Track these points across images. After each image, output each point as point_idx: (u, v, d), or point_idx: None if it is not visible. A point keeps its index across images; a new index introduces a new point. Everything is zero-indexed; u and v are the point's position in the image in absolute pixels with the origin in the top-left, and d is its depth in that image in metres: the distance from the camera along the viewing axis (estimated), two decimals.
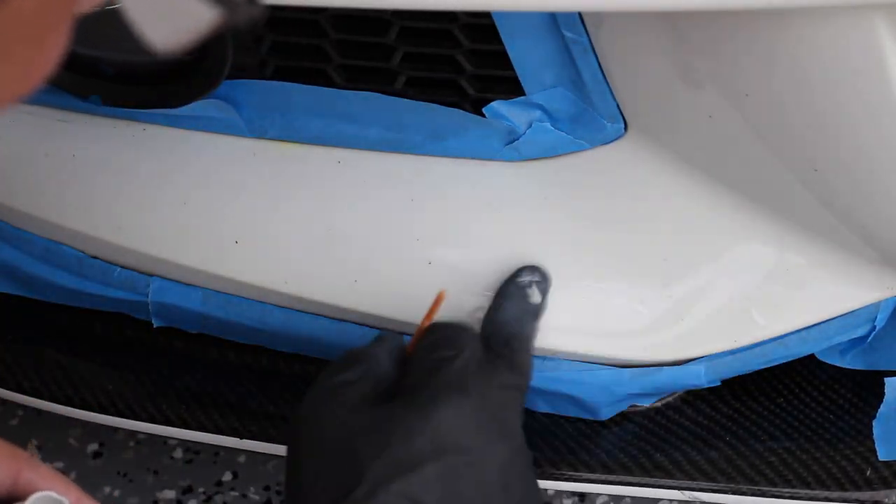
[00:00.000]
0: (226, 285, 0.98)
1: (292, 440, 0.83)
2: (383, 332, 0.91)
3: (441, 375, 0.82)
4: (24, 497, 0.74)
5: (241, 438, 1.02)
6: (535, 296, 0.91)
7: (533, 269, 0.91)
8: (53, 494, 0.73)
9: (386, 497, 0.76)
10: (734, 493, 0.97)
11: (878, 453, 0.97)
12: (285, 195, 0.96)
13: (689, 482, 0.97)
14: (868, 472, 0.96)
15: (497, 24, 0.86)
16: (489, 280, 0.95)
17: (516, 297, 0.91)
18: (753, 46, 0.80)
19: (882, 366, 0.99)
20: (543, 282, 0.91)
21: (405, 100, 0.93)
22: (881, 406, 0.96)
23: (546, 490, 1.23)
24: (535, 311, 0.91)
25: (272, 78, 0.94)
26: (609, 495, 1.23)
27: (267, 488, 1.25)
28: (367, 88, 0.93)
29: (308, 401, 0.83)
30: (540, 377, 0.96)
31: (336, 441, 0.80)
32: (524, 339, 0.89)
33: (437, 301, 0.88)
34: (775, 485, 0.97)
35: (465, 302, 0.94)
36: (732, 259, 0.94)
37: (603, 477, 0.99)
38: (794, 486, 0.97)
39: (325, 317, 0.97)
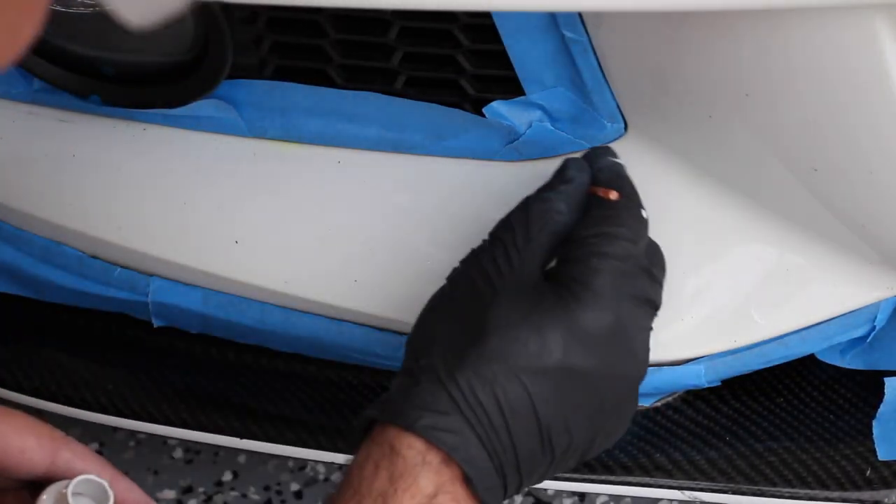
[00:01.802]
0: (226, 285, 0.98)
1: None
2: (566, 169, 0.86)
3: (599, 261, 0.79)
4: (61, 478, 0.74)
5: (241, 438, 1.02)
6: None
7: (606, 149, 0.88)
8: (95, 477, 0.73)
9: (500, 379, 0.76)
10: (734, 493, 0.97)
11: (878, 453, 0.97)
12: (285, 195, 0.96)
13: (689, 482, 0.97)
14: (868, 472, 0.96)
15: (497, 24, 0.86)
16: None
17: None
18: (753, 46, 0.80)
19: (882, 366, 0.99)
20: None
21: (405, 100, 0.93)
22: (881, 406, 0.96)
23: (546, 490, 1.23)
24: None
25: (272, 78, 0.94)
26: (609, 495, 1.23)
27: (267, 488, 1.25)
28: (367, 88, 0.93)
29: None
30: None
31: (475, 288, 0.80)
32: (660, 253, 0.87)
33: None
34: (775, 485, 0.97)
35: None
36: (732, 259, 0.94)
37: (603, 477, 0.99)
38: (794, 486, 0.97)
39: (325, 317, 0.97)
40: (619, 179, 0.84)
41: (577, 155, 0.91)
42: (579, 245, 0.81)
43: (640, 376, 0.83)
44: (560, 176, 0.85)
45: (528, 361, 0.77)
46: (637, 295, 0.81)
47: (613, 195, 0.83)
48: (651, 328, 0.83)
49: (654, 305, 0.83)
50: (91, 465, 0.76)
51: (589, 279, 0.79)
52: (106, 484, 0.73)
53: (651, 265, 0.83)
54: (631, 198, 0.84)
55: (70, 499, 0.72)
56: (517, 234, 0.82)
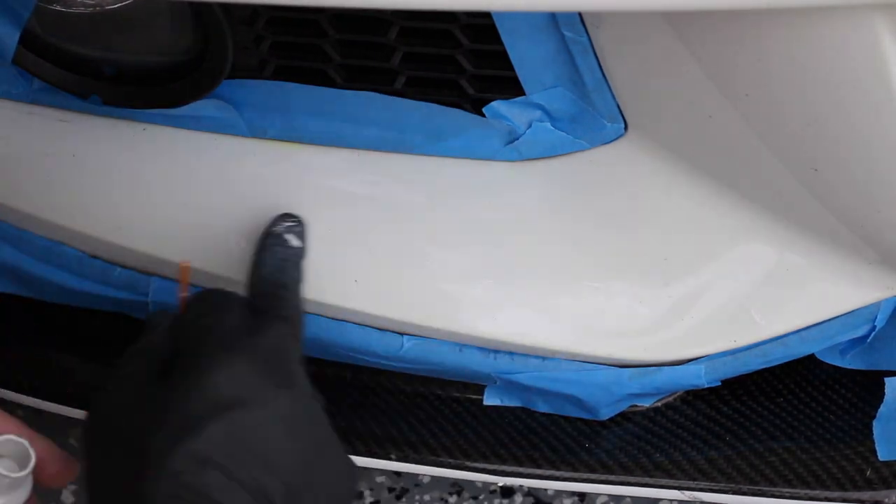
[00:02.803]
0: (226, 285, 0.98)
1: (85, 450, 0.81)
2: (153, 312, 0.91)
3: (209, 340, 0.81)
4: None
5: None
6: (293, 241, 0.91)
7: (284, 216, 0.91)
8: (15, 437, 0.74)
9: (172, 463, 0.74)
10: (734, 493, 0.97)
11: (878, 453, 0.97)
12: (285, 195, 0.96)
13: (689, 482, 0.98)
14: (868, 472, 0.96)
15: (497, 24, 0.86)
16: (489, 279, 0.95)
17: (274, 246, 0.90)
18: (753, 46, 0.80)
19: (882, 366, 0.99)
20: (298, 225, 0.91)
21: (405, 100, 0.93)
22: (881, 406, 0.96)
23: (546, 490, 1.24)
24: (297, 256, 0.90)
25: (272, 78, 0.94)
26: (609, 495, 1.23)
27: None
28: (367, 88, 0.93)
29: (93, 403, 0.82)
30: (540, 377, 0.96)
31: (121, 429, 0.79)
32: (290, 286, 0.88)
33: (184, 272, 0.89)
34: (775, 485, 0.97)
35: (462, 302, 0.94)
36: (732, 259, 0.94)
37: (603, 477, 0.99)
38: (794, 486, 0.97)
39: (325, 317, 0.97)
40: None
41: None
42: (178, 343, 0.84)
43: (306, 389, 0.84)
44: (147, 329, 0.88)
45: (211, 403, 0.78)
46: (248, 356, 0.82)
47: (184, 271, 0.90)
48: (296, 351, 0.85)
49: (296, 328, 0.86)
50: (9, 427, 0.76)
51: (197, 359, 0.81)
52: (27, 443, 0.74)
53: (253, 332, 0.84)
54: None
55: None
56: (133, 372, 0.83)
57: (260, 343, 0.81)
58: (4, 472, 0.73)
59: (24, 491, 0.76)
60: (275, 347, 0.82)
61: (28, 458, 0.74)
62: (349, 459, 0.83)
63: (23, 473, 0.74)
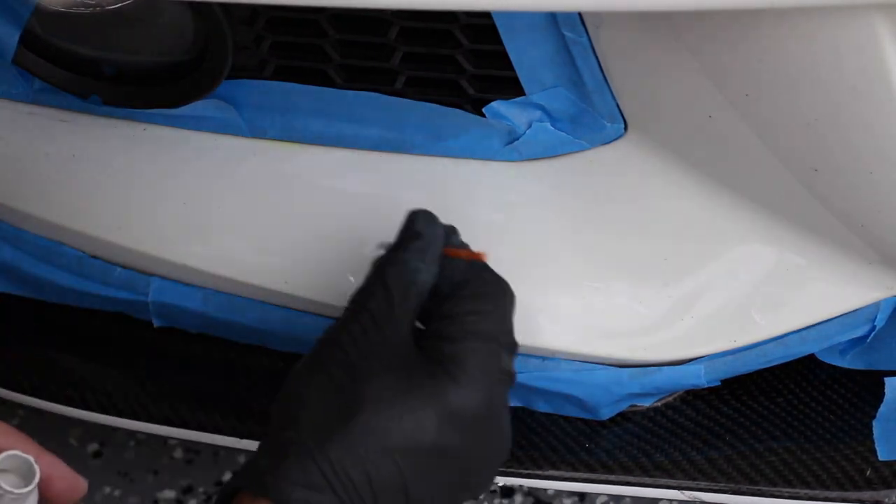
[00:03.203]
0: (226, 285, 0.98)
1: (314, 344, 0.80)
2: (418, 236, 0.83)
3: (476, 342, 0.79)
4: None
5: (241, 438, 1.02)
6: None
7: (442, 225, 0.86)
8: (19, 453, 0.73)
9: (372, 457, 0.75)
10: (734, 493, 0.97)
11: (878, 453, 0.97)
12: (286, 195, 0.96)
13: (689, 482, 0.97)
14: (868, 472, 0.96)
15: (497, 24, 0.86)
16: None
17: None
18: (753, 46, 0.80)
19: (882, 366, 0.99)
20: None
21: (405, 100, 0.93)
22: (881, 406, 0.96)
23: (546, 490, 1.24)
24: None
25: (272, 78, 0.94)
26: (609, 495, 1.23)
27: None
28: (367, 88, 0.93)
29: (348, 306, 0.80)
30: (540, 377, 0.96)
31: (351, 360, 0.78)
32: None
33: (482, 256, 0.83)
34: (775, 485, 0.97)
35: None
36: (732, 259, 0.94)
37: (603, 477, 0.99)
38: (794, 486, 0.97)
39: (324, 317, 0.97)
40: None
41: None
42: (452, 322, 0.80)
43: (507, 453, 0.82)
44: (408, 231, 0.84)
45: (401, 440, 0.76)
46: (502, 371, 0.81)
47: (483, 256, 0.83)
48: (507, 403, 0.82)
49: (513, 379, 0.82)
50: (15, 442, 0.76)
51: (464, 360, 0.78)
52: (32, 459, 0.73)
53: (510, 348, 0.82)
54: (493, 274, 0.84)
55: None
56: (381, 302, 0.80)
57: (497, 376, 0.80)
58: (8, 488, 0.72)
59: None
60: (502, 387, 0.81)
61: (33, 473, 0.73)
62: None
63: (27, 489, 0.73)
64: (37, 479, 0.73)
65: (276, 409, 0.80)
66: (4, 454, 0.73)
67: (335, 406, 0.77)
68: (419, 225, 0.83)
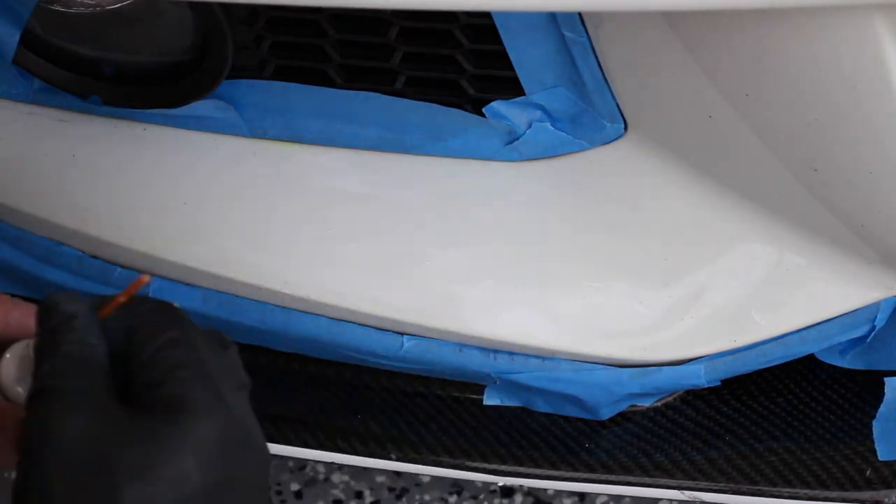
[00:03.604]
0: (226, 285, 0.98)
1: (24, 463, 0.69)
2: (53, 295, 0.75)
3: (183, 370, 0.72)
4: (16, 338, 0.73)
5: None
6: None
7: None
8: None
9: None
10: (734, 493, 0.97)
11: (878, 453, 0.97)
12: (285, 195, 0.96)
13: (689, 482, 0.97)
14: (868, 472, 0.96)
15: (497, 24, 0.86)
16: (489, 279, 0.95)
17: None
18: (753, 46, 0.80)
19: (882, 366, 0.99)
20: None
21: (405, 100, 0.93)
22: (881, 406, 0.96)
23: (546, 490, 1.24)
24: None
25: (272, 78, 0.94)
26: (609, 495, 1.23)
27: None
28: (367, 88, 0.93)
29: (33, 412, 0.70)
30: (540, 377, 0.96)
31: (81, 453, 0.69)
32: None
33: (139, 283, 0.75)
34: (775, 485, 0.97)
35: (462, 302, 0.94)
36: (732, 259, 0.94)
37: (603, 477, 0.99)
38: (794, 486, 0.97)
39: (325, 317, 0.97)
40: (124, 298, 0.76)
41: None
42: (152, 367, 0.73)
43: (268, 460, 0.76)
44: (54, 321, 0.74)
45: (171, 496, 0.69)
46: (231, 383, 0.75)
47: (138, 283, 0.75)
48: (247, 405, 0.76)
49: (245, 384, 0.76)
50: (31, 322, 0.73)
51: (183, 393, 0.71)
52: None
53: (223, 346, 0.77)
54: (154, 304, 0.76)
55: (33, 355, 0.70)
56: (77, 398, 0.71)
57: (233, 390, 0.74)
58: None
59: None
60: (243, 397, 0.75)
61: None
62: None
63: None
64: None
65: None
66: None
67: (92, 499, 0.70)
68: (69, 307, 0.74)
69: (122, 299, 0.73)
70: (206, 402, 0.72)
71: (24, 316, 0.75)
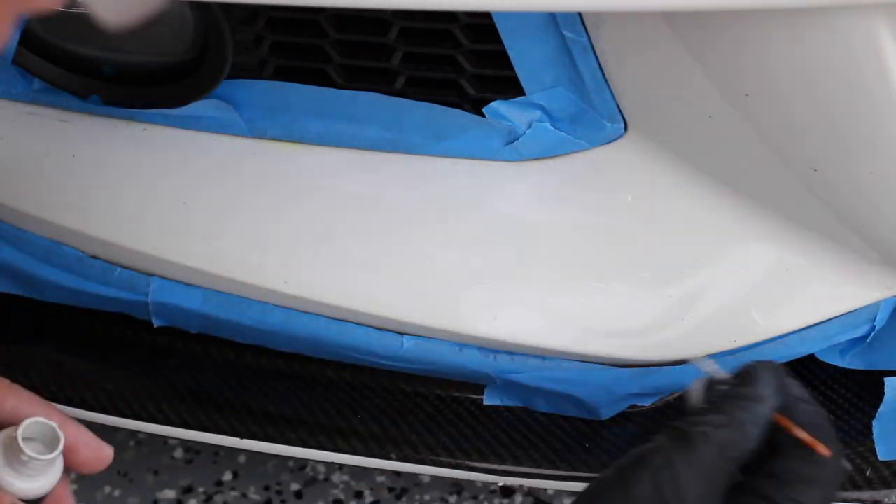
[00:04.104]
0: (226, 285, 0.98)
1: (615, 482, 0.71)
2: (757, 385, 0.74)
3: None
4: (9, 425, 0.73)
5: (241, 438, 1.02)
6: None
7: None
8: (43, 420, 0.73)
9: None
10: None
11: (877, 453, 0.97)
12: (285, 195, 0.96)
13: None
14: (868, 472, 0.96)
15: (497, 24, 0.86)
16: (488, 279, 0.95)
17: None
18: (753, 46, 0.80)
19: (882, 366, 0.99)
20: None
21: (405, 100, 0.93)
22: (881, 406, 0.96)
23: (546, 490, 1.24)
24: None
25: (272, 78, 0.94)
26: None
27: (267, 488, 1.25)
28: (367, 88, 0.93)
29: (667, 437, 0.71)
30: (540, 377, 0.96)
31: None
32: None
33: (822, 448, 0.74)
34: None
35: (462, 302, 0.94)
36: (732, 259, 0.94)
37: None
38: None
39: (325, 317, 0.97)
40: (824, 429, 0.74)
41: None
42: (779, 488, 0.72)
43: None
44: (749, 390, 0.74)
45: None
46: None
47: (824, 450, 0.74)
48: None
49: None
50: (39, 410, 0.74)
51: None
52: (55, 426, 0.73)
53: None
54: (838, 452, 0.75)
55: (21, 443, 0.71)
56: (704, 460, 0.71)
57: None
58: (33, 455, 0.72)
59: (54, 475, 0.74)
60: None
61: (57, 440, 0.73)
62: None
63: (51, 456, 0.72)
64: (61, 446, 0.73)
65: None
66: (28, 421, 0.72)
67: None
68: (763, 390, 0.73)
69: (799, 435, 0.73)
70: None
71: (19, 403, 0.76)
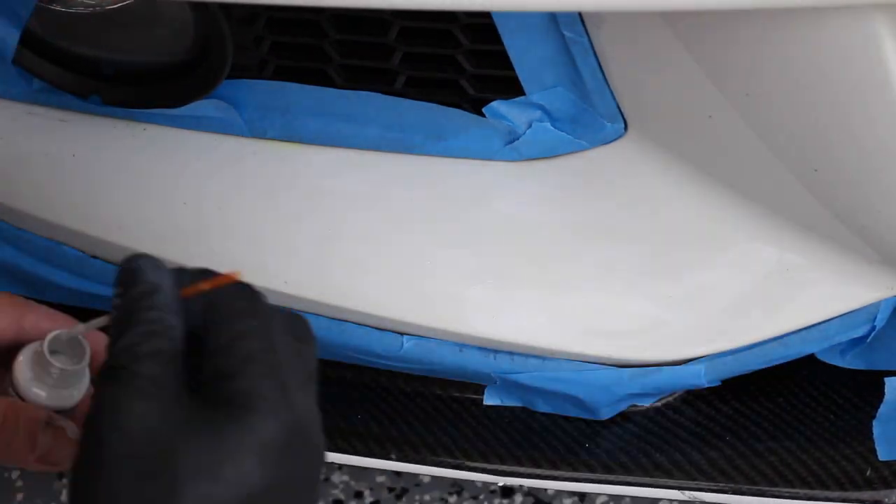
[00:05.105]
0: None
1: (89, 441, 0.68)
2: (134, 259, 0.72)
3: (255, 365, 0.70)
4: (31, 341, 0.74)
5: None
6: None
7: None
8: (67, 331, 0.73)
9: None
10: (734, 493, 0.97)
11: (878, 453, 0.97)
12: (285, 195, 0.96)
13: (689, 482, 0.98)
14: (868, 472, 0.96)
15: (497, 24, 0.86)
16: (489, 279, 0.95)
17: None
18: (753, 46, 0.80)
19: (882, 366, 0.99)
20: None
21: (405, 100, 0.93)
22: (881, 406, 0.96)
23: (546, 490, 1.24)
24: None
25: (272, 78, 0.94)
26: (609, 495, 1.23)
27: None
28: (367, 88, 0.93)
29: (104, 391, 0.68)
30: (540, 377, 0.96)
31: (148, 443, 0.67)
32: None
33: (231, 277, 0.72)
34: (775, 485, 0.97)
35: (462, 302, 0.95)
36: (732, 259, 0.94)
37: (603, 477, 0.99)
38: (794, 486, 0.97)
39: (325, 317, 0.97)
40: (209, 273, 0.73)
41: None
42: (226, 356, 0.71)
43: (323, 457, 0.75)
44: (136, 285, 0.71)
45: (231, 495, 0.68)
46: (301, 377, 0.74)
47: (231, 277, 0.72)
48: (315, 401, 0.75)
49: (313, 377, 0.75)
50: (60, 323, 0.74)
51: (251, 387, 0.70)
52: (80, 336, 0.73)
53: (298, 337, 0.75)
54: (237, 286, 0.72)
55: (48, 355, 0.71)
56: (142, 379, 0.68)
57: (301, 383, 0.73)
58: (61, 366, 0.72)
59: (83, 385, 0.74)
60: (310, 395, 0.74)
61: (83, 351, 0.73)
62: None
63: (79, 366, 0.73)
64: (87, 355, 0.73)
65: None
66: (52, 334, 0.72)
67: (150, 498, 0.68)
68: (151, 277, 0.72)
69: (205, 287, 0.71)
70: (274, 401, 0.70)
71: (38, 319, 0.76)
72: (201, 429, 0.69)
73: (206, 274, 0.72)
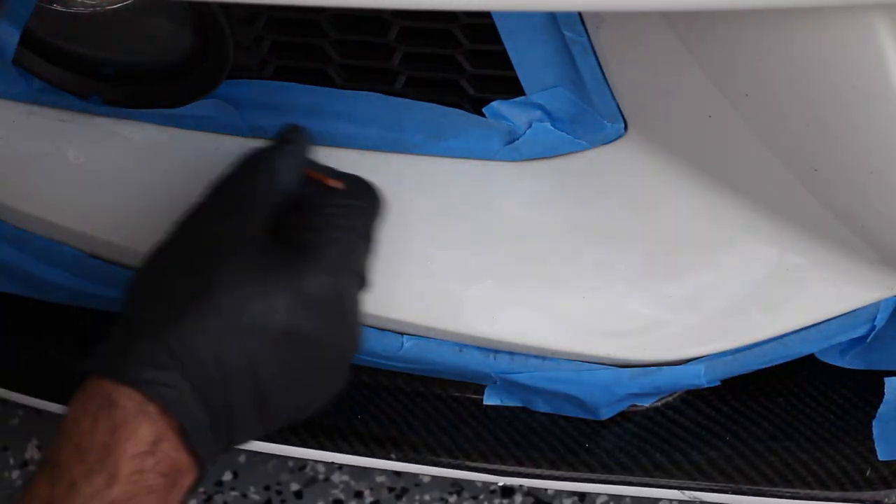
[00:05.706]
0: None
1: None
2: (290, 141, 0.88)
3: (338, 232, 0.81)
4: None
5: None
6: None
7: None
8: None
9: (223, 337, 0.75)
10: (734, 493, 0.97)
11: (878, 453, 0.97)
12: None
13: (689, 482, 0.98)
14: (868, 472, 0.96)
15: (497, 24, 0.86)
16: (489, 279, 0.95)
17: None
18: (753, 46, 0.80)
19: (882, 366, 0.99)
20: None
21: (405, 100, 0.93)
22: (881, 406, 0.96)
23: (546, 490, 1.24)
24: None
25: (272, 78, 0.94)
26: (609, 495, 1.23)
27: (267, 488, 1.25)
28: (367, 88, 0.93)
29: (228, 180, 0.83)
30: (540, 377, 0.96)
31: (216, 240, 0.79)
32: None
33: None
34: (775, 485, 0.97)
35: (462, 302, 0.94)
36: (732, 259, 0.94)
37: (603, 477, 0.99)
38: (794, 486, 0.97)
39: None
40: (340, 174, 0.87)
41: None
42: (316, 213, 0.82)
43: (355, 347, 0.84)
44: (279, 138, 0.87)
45: (252, 321, 0.76)
46: (356, 269, 0.83)
47: (336, 184, 0.86)
48: (360, 303, 0.85)
49: (364, 282, 0.85)
50: None
51: (320, 247, 0.80)
52: None
53: (373, 240, 0.85)
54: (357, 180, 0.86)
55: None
56: (243, 188, 0.82)
57: (357, 271, 0.84)
58: None
59: None
60: (357, 282, 0.85)
61: None
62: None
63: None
64: None
65: (128, 290, 0.80)
66: None
67: (187, 287, 0.77)
68: (291, 135, 0.86)
69: (334, 184, 0.85)
70: (331, 266, 0.79)
71: None
72: (258, 258, 0.78)
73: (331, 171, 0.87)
